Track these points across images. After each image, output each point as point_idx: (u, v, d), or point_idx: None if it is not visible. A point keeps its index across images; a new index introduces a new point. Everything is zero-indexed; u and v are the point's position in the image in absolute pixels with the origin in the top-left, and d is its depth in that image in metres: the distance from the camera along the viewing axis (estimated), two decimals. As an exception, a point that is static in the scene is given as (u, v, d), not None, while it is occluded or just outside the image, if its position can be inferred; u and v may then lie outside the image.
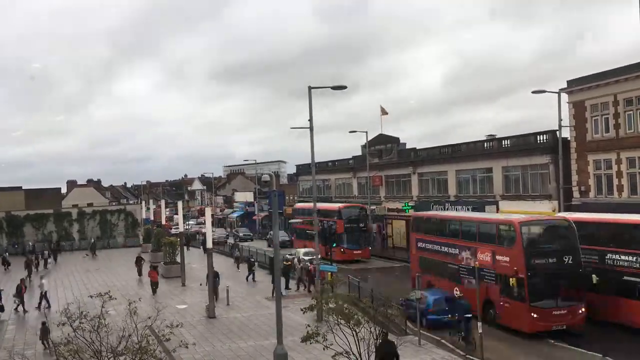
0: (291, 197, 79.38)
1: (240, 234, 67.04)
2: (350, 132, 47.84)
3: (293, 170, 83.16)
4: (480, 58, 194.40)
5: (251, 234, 68.93)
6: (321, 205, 44.22)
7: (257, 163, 79.13)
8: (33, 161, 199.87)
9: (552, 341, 19.86)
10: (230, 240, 58.11)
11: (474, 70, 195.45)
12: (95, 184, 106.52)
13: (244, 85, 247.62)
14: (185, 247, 41.45)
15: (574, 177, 31.50)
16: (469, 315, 19.37)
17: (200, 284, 30.96)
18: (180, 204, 39.23)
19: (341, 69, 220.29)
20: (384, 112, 50.61)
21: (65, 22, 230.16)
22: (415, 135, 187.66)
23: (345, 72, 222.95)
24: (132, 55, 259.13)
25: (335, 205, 47.96)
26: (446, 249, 25.99)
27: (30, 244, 52.16)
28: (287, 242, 51.81)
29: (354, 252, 42.92)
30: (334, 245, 42.13)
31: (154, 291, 29.53)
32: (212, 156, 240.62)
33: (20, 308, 25.83)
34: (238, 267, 38.97)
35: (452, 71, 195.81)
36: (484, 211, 38.15)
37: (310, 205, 46.04)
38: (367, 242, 44.54)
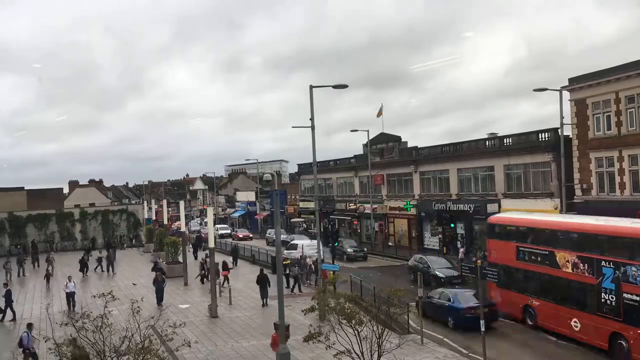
0: (292, 196, 79.55)
1: (271, 235, 56.09)
2: (351, 130, 47.99)
3: (295, 169, 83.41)
4: (548, 44, 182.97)
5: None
6: (599, 225, 19.35)
7: (259, 162, 79.22)
8: (52, 160, 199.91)
9: (555, 339, 19.85)
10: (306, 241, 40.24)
11: (537, 58, 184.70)
12: (96, 184, 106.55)
13: (290, 78, 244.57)
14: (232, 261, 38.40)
15: (576, 175, 31.46)
16: None
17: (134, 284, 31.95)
18: (182, 204, 39.32)
19: (400, 59, 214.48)
20: (380, 113, 50.46)
21: (98, 18, 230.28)
22: (450, 129, 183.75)
23: (403, 62, 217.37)
24: (172, 48, 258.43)
25: None
26: None
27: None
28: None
29: None
30: (336, 244, 41.80)
31: None
32: (237, 153, 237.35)
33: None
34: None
35: (514, 60, 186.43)
36: (486, 210, 38.12)
37: (546, 221, 23.24)
38: None
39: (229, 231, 69.43)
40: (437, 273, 30.40)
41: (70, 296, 26.03)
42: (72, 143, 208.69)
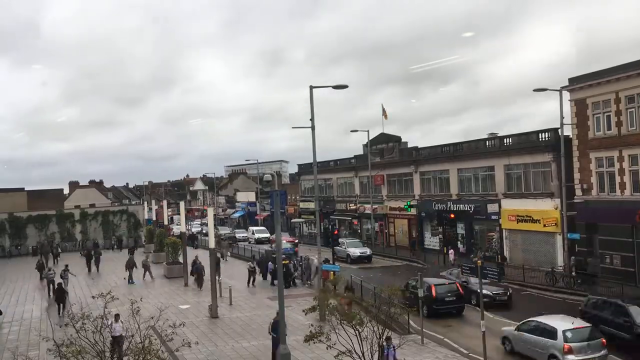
0: (293, 197, 79.51)
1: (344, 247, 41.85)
2: (351, 131, 48.00)
3: (295, 169, 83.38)
4: (592, 39, 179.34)
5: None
6: None
7: (259, 163, 79.21)
8: (55, 160, 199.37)
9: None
10: None
11: (586, 50, 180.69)
12: (97, 185, 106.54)
13: (323, 74, 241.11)
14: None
15: (576, 175, 31.45)
16: None
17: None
18: (182, 205, 39.26)
19: (443, 51, 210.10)
20: (384, 113, 50.48)
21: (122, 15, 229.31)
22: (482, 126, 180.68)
23: (445, 54, 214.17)
24: (197, 46, 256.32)
25: None
26: None
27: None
28: None
29: None
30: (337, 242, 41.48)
31: None
32: (248, 152, 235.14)
33: None
34: None
35: (555, 54, 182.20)
36: (487, 210, 38.18)
37: None
38: None
39: (267, 235, 58.39)
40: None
41: (117, 340, 14.67)
42: (76, 143, 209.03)
